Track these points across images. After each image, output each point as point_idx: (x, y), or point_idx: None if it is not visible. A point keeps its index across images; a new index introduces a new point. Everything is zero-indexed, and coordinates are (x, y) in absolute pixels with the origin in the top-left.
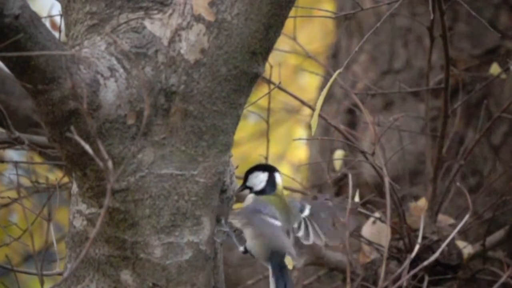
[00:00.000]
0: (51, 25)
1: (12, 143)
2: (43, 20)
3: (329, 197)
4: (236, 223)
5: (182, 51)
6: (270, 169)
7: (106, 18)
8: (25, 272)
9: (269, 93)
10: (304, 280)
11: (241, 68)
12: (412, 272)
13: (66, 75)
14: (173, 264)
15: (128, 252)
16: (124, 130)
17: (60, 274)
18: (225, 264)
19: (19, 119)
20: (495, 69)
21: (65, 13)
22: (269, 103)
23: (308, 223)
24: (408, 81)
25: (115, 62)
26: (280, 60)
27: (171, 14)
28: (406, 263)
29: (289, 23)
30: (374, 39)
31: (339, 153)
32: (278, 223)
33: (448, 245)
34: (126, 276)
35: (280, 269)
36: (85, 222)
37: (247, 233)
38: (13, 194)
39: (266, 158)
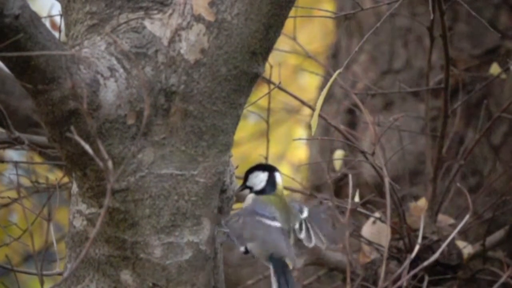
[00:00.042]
0: (51, 25)
1: (12, 143)
2: (43, 20)
3: (329, 197)
4: (234, 229)
5: (182, 51)
6: (270, 169)
7: (106, 18)
8: (25, 272)
9: (269, 93)
10: (304, 280)
11: (241, 68)
12: (412, 272)
13: (66, 75)
14: (173, 264)
15: (128, 252)
16: (124, 130)
17: (60, 274)
18: (225, 264)
19: (19, 119)
20: (495, 69)
21: (65, 13)
22: (269, 103)
23: (308, 224)
24: (408, 81)
25: (115, 62)
26: (280, 60)
27: (171, 14)
28: (406, 263)
29: (289, 23)
30: (374, 39)
31: (339, 153)
32: (277, 224)
33: (448, 245)
34: (126, 276)
35: (282, 268)
36: (85, 222)
37: (247, 235)
38: (13, 194)
39: (266, 158)
